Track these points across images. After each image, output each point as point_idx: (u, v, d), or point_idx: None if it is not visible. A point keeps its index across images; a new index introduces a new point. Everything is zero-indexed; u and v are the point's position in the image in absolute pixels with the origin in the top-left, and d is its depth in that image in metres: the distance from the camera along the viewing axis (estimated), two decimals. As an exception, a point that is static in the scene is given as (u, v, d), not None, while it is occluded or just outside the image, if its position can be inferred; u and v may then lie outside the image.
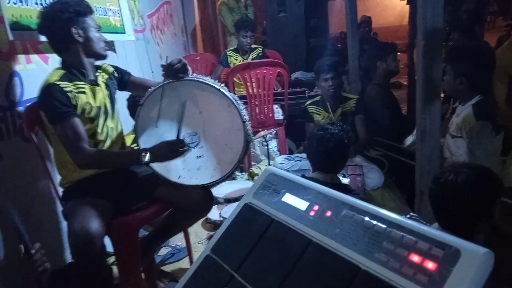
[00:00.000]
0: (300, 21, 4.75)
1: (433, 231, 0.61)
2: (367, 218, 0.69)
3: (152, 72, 3.54)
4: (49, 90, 1.53)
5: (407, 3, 4.19)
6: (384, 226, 0.66)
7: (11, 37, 1.70)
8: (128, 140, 2.12)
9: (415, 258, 0.59)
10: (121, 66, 1.93)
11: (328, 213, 0.75)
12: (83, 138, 1.55)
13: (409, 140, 2.42)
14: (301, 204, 0.80)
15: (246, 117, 1.66)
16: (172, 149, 1.61)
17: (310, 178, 1.72)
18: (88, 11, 1.65)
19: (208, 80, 1.66)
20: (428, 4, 1.66)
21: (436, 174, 1.40)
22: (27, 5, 1.79)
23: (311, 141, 1.81)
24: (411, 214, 1.36)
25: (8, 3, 1.69)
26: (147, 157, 1.57)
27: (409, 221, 0.64)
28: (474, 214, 1.24)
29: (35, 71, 1.91)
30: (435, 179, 1.34)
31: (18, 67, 1.81)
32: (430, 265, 0.57)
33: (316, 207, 0.77)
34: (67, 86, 1.56)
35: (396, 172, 2.67)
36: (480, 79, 1.90)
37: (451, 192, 1.26)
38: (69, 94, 1.55)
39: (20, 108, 1.79)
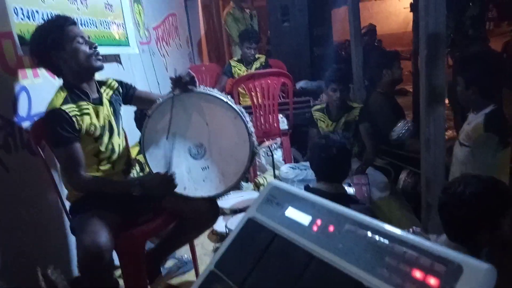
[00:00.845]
0: (304, 30, 4.78)
1: (435, 246, 0.60)
2: (369, 233, 0.68)
3: (158, 84, 3.57)
4: (52, 116, 1.55)
5: (410, 11, 4.18)
6: (386, 241, 0.65)
7: (20, 52, 1.73)
8: (133, 152, 2.14)
9: (418, 274, 0.58)
10: (127, 79, 1.96)
11: (331, 228, 0.74)
12: (80, 164, 1.57)
13: (395, 131, 2.44)
14: (304, 218, 0.80)
15: (252, 129, 1.67)
16: (166, 185, 1.59)
17: (314, 189, 1.72)
18: (66, 24, 1.59)
19: (215, 92, 1.68)
20: (430, 12, 1.67)
21: (445, 185, 1.40)
22: (34, 20, 1.83)
23: (314, 150, 1.82)
24: (414, 228, 1.36)
25: (17, 19, 1.73)
26: (138, 191, 1.57)
27: (411, 236, 0.64)
28: (481, 226, 1.23)
29: (43, 86, 1.94)
30: (444, 189, 1.34)
31: (25, 82, 1.84)
32: (432, 281, 0.56)
33: (319, 222, 0.77)
34: (72, 109, 1.57)
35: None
36: (490, 86, 1.90)
37: (458, 203, 1.25)
38: (73, 118, 1.56)
39: (28, 122, 1.82)
